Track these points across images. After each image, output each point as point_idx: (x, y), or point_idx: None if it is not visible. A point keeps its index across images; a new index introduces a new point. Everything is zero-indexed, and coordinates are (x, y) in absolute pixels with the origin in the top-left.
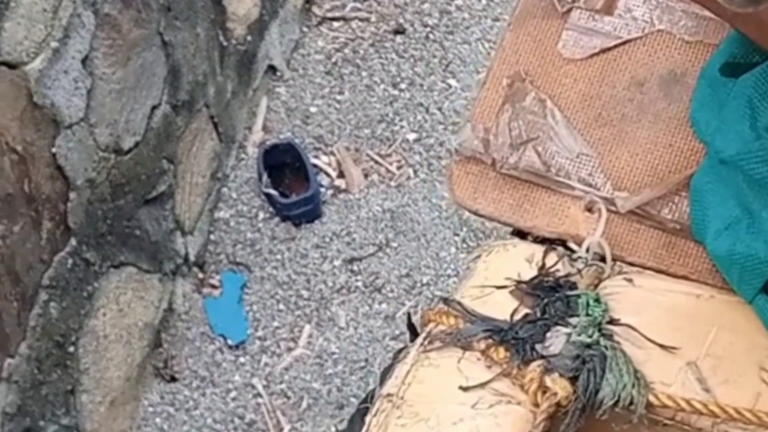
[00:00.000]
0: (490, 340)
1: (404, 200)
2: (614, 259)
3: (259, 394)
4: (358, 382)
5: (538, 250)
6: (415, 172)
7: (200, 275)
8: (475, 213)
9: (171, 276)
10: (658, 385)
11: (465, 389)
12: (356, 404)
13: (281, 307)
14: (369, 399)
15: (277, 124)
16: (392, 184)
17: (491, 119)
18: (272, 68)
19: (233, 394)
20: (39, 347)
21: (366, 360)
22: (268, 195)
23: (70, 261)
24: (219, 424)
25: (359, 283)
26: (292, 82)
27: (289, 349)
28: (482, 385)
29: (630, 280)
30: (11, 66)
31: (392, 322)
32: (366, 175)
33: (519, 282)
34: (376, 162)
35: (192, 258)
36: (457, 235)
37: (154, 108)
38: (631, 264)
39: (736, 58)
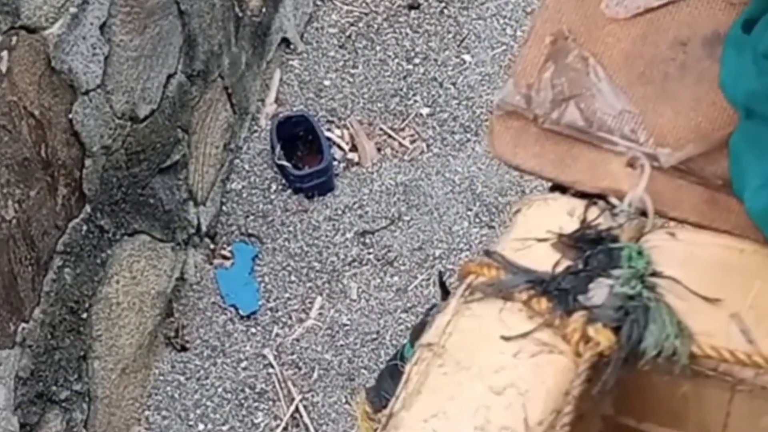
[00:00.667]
0: (532, 291)
1: (417, 174)
2: (656, 214)
3: (270, 365)
4: (370, 353)
5: (579, 204)
6: (428, 146)
7: (212, 246)
8: (516, 167)
9: (183, 246)
10: (702, 336)
11: (507, 339)
12: (367, 376)
13: (293, 278)
14: (398, 357)
15: (290, 96)
16: (405, 158)
17: (533, 75)
18: (286, 41)
19: (244, 364)
20: (53, 312)
21: (377, 332)
22: (281, 167)
23: (84, 227)
24: (229, 393)
25: (371, 256)
26: (305, 55)
27: (301, 321)
28: (524, 335)
29: (672, 234)
30: (30, 30)
31: (404, 295)
32: (379, 149)
33: (561, 235)
34: (390, 136)
35: (204, 228)
36: (470, 209)
37: (169, 77)
38: (673, 219)
39: (754, 15)
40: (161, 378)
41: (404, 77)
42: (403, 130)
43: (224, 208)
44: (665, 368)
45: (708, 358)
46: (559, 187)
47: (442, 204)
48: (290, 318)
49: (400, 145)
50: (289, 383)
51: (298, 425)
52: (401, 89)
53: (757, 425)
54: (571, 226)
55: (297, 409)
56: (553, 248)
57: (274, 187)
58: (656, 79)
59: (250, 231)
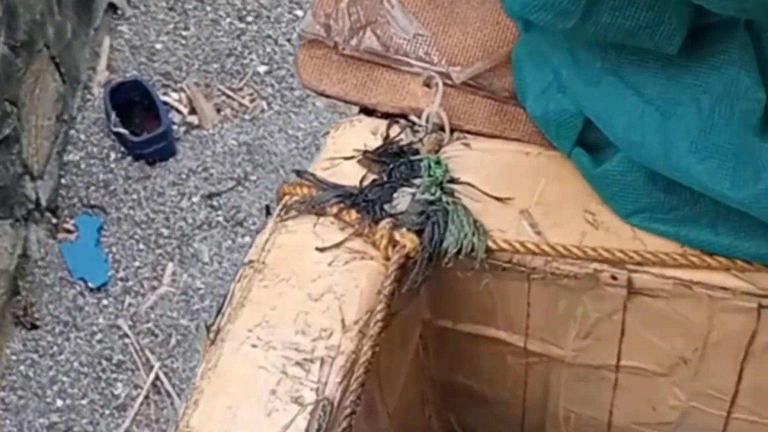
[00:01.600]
0: (342, 204)
1: (260, 133)
2: (452, 129)
3: (125, 335)
4: None
5: (382, 123)
6: (268, 104)
7: (54, 220)
8: (322, 94)
9: (23, 222)
10: (496, 232)
11: (321, 250)
12: None
13: (141, 246)
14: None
15: (123, 63)
16: (246, 117)
17: (331, 6)
18: (113, 6)
19: (98, 336)
20: None
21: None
22: (118, 134)
23: None
24: (86, 367)
25: (220, 218)
26: (134, 20)
27: (153, 288)
28: (337, 245)
29: (467, 144)
30: None
31: None
32: (218, 110)
33: (366, 152)
34: (228, 96)
35: (44, 203)
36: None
37: None
38: (468, 132)
39: None
40: (13, 358)
41: (238, 36)
42: (241, 89)
43: (63, 180)
44: (466, 264)
45: (503, 251)
46: (365, 111)
47: (287, 161)
48: (142, 286)
49: (240, 104)
50: (147, 351)
51: (159, 392)
52: (236, 48)
53: (555, 311)
54: (375, 143)
55: (157, 377)
56: (360, 164)
57: (113, 155)
58: (445, 3)
59: (92, 202)
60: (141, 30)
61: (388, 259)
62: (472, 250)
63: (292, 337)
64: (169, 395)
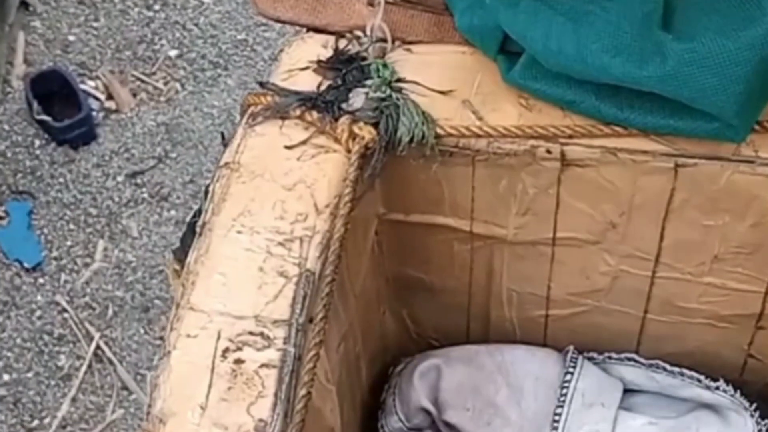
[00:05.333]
0: (304, 107)
1: (176, 113)
2: (396, 41)
3: (64, 310)
4: (159, 284)
5: (331, 38)
6: (182, 85)
7: None
8: (277, 20)
9: None
10: (442, 120)
11: (290, 147)
12: (160, 306)
13: (72, 226)
14: (197, 215)
15: (39, 56)
16: (161, 99)
17: None
18: (25, 4)
19: (38, 313)
20: None
21: (164, 264)
22: (41, 122)
23: None
24: (29, 342)
25: (145, 195)
26: (46, 15)
27: (87, 265)
28: (303, 142)
29: (408, 50)
30: None
31: (182, 227)
32: (134, 95)
33: (319, 61)
34: (143, 81)
35: None
36: None
37: None
38: (411, 42)
39: None
40: None
41: (147, 24)
42: (155, 74)
43: None
44: (418, 152)
45: (450, 136)
46: (315, 32)
47: (205, 137)
48: (76, 264)
49: (155, 88)
50: (86, 324)
51: (101, 360)
52: (146, 36)
53: (497, 191)
54: (327, 54)
55: (98, 347)
56: (315, 73)
57: (37, 142)
58: None
59: (20, 188)
60: (53, 24)
61: (349, 151)
62: (423, 137)
63: (272, 222)
64: (111, 362)
